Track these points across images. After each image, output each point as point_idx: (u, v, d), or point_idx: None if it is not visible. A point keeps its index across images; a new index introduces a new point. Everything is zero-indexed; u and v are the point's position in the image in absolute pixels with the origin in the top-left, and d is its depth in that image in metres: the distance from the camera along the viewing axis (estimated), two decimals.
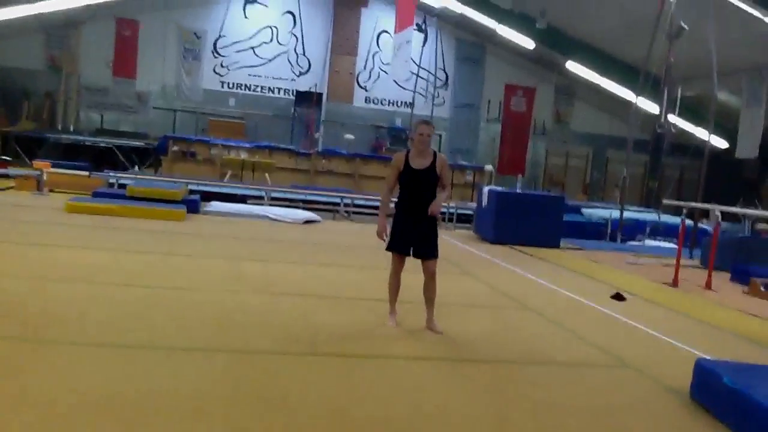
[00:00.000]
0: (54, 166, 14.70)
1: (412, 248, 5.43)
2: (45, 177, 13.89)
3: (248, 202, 14.59)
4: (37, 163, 14.02)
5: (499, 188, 14.23)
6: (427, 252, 5.45)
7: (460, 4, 22.58)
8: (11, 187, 14.33)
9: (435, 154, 5.43)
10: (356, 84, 24.84)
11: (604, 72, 23.80)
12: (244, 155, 20.14)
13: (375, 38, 24.70)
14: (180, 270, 7.27)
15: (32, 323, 4.80)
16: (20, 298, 5.46)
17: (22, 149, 20.30)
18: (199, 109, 23.42)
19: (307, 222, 12.81)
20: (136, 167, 20.48)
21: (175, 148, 20.05)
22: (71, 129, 22.61)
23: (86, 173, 14.94)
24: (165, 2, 22.58)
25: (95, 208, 11.06)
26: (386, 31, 24.33)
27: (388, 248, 5.52)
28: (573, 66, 23.95)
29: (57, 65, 22.66)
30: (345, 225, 13.77)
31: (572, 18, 21.96)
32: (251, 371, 4.29)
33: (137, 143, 21.48)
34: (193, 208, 12.28)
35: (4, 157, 18.40)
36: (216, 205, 13.09)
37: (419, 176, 5.33)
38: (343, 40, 24.46)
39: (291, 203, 15.24)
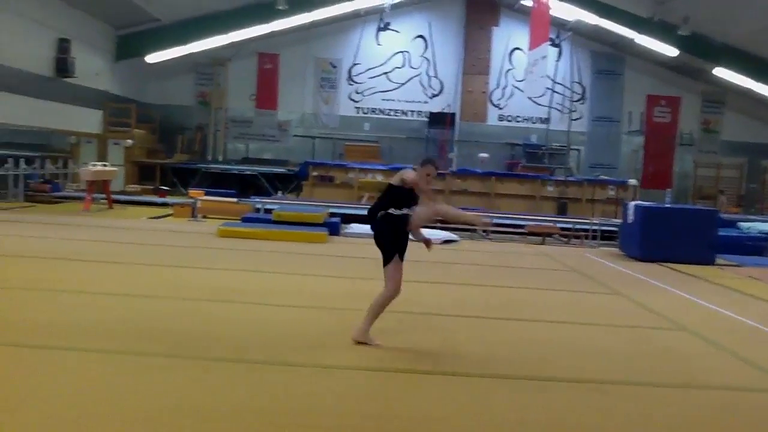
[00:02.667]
0: (206, 194, 15.70)
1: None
2: (199, 204, 14.85)
3: None
4: (192, 191, 15.00)
5: (646, 203, 13.53)
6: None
7: (595, 15, 21.90)
8: (170, 215, 15.42)
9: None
10: (489, 102, 24.71)
11: (756, 77, 22.17)
12: (380, 177, 20.51)
13: (507, 56, 24.51)
14: (323, 290, 7.46)
15: (193, 343, 5.09)
16: (177, 317, 5.82)
17: (177, 179, 21.88)
18: (335, 134, 24.26)
19: (446, 242, 12.77)
20: (279, 192, 21.42)
21: (315, 173, 20.77)
22: (220, 159, 24.11)
23: (235, 200, 15.77)
24: (303, 35, 23.64)
25: (245, 232, 11.65)
26: (519, 48, 24.11)
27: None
28: (721, 72, 22.50)
29: (206, 101, 24.31)
30: (483, 245, 13.62)
31: (718, 22, 20.66)
32: (391, 388, 4.31)
33: (279, 170, 22.50)
34: (334, 230, 12.64)
35: (162, 187, 19.89)
36: (355, 227, 13.38)
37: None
38: (475, 59, 24.46)
39: (427, 224, 15.30)
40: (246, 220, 13.12)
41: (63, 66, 17.92)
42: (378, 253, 5.32)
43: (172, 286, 7.20)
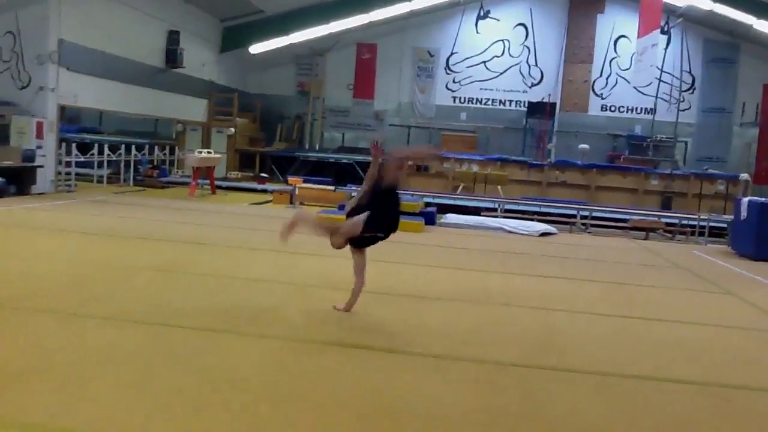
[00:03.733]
0: (304, 181, 16.02)
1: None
2: (297, 192, 15.16)
3: (482, 214, 14.61)
4: (291, 179, 15.32)
5: (762, 199, 12.70)
6: None
7: (708, 0, 20.72)
8: (269, 201, 15.82)
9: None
10: (591, 92, 23.90)
11: None
12: (476, 168, 20.28)
13: (612, 44, 23.59)
14: (420, 279, 7.43)
15: (298, 324, 5.16)
16: (280, 303, 5.93)
17: (276, 167, 22.42)
18: (431, 124, 24.16)
19: (544, 234, 12.48)
20: None
21: (410, 162, 20.72)
22: (317, 147, 24.52)
23: (332, 188, 15.99)
24: (402, 24, 23.61)
25: (341, 219, 11.74)
26: (625, 36, 23.19)
27: None
28: None
29: (305, 90, 24.74)
30: (582, 238, 13.20)
31: None
32: (505, 383, 4.21)
33: None
34: (429, 220, 12.59)
35: (262, 175, 20.43)
36: (451, 217, 13.29)
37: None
38: (578, 48, 23.70)
39: (524, 215, 14.99)
40: (342, 207, 13.26)
41: (172, 57, 18.67)
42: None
43: (298, 272, 7.35)
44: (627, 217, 14.92)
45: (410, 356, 4.59)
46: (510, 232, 12.39)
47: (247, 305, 5.74)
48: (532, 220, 14.34)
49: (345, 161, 22.46)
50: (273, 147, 23.25)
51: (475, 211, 15.19)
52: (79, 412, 3.31)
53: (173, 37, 18.76)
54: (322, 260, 8.01)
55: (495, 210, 15.14)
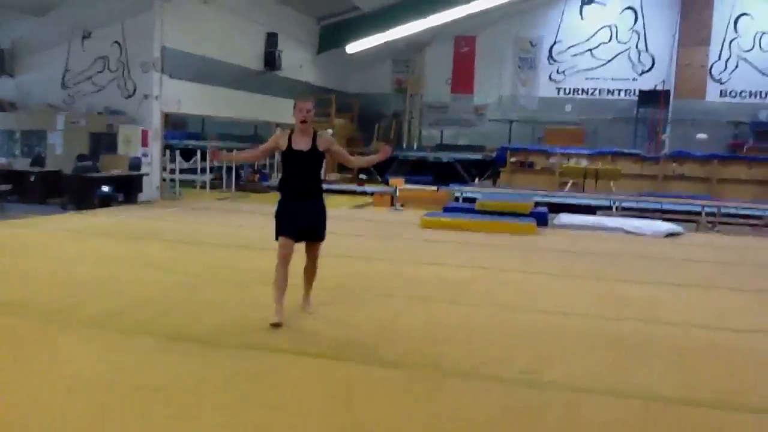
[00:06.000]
0: (405, 182, 15.50)
1: (301, 232, 5.18)
2: (398, 193, 14.66)
3: (598, 213, 13.61)
4: (392, 180, 14.84)
5: None
6: (316, 234, 5.26)
7: None
8: (369, 203, 15.42)
9: (315, 133, 5.15)
10: (709, 77, 22.15)
11: None
12: (584, 163, 19.15)
13: (732, 23, 21.76)
14: (546, 290, 6.73)
15: (430, 350, 4.62)
16: (415, 321, 5.40)
17: (374, 167, 22.03)
18: (534, 117, 23.12)
19: (669, 235, 11.39)
20: (476, 179, 20.81)
21: (513, 159, 19.85)
22: (415, 146, 24.00)
23: (434, 188, 15.41)
24: (501, 14, 22.68)
25: (448, 222, 11.17)
26: (746, 14, 21.39)
27: (279, 234, 5.15)
28: None
29: (403, 88, 24.27)
30: (713, 238, 11.98)
31: None
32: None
33: (475, 156, 21.86)
34: (542, 221, 11.77)
35: (361, 176, 20.10)
36: (565, 218, 12.39)
37: (303, 158, 5.09)
38: (693, 30, 22.01)
39: (642, 213, 13.88)
40: (448, 209, 12.67)
41: (271, 59, 18.62)
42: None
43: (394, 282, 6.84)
44: (759, 213, 13.54)
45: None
46: (631, 233, 11.38)
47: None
48: (650, 218, 13.26)
49: (445, 159, 21.82)
50: (371, 147, 22.89)
51: (588, 210, 14.20)
52: None
53: (272, 40, 18.70)
54: (438, 269, 7.43)
55: (609, 208, 14.10)
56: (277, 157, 20.64)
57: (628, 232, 11.39)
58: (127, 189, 13.23)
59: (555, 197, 14.70)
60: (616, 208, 13.86)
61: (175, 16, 14.61)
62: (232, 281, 6.60)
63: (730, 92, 22.08)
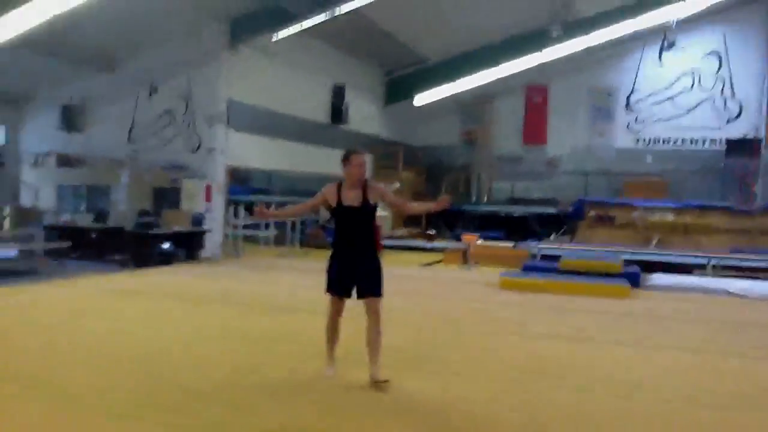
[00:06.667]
0: (480, 238, 14.55)
1: (354, 288, 4.91)
2: (472, 250, 13.71)
3: (694, 272, 12.30)
4: (466, 236, 13.92)
5: None
6: (369, 289, 4.88)
7: None
8: (439, 261, 14.51)
9: (365, 185, 4.89)
10: None
11: None
12: (670, 216, 17.80)
13: None
14: (663, 368, 5.64)
15: None
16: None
17: (443, 222, 21.19)
18: (611, 169, 21.91)
19: None
20: (552, 235, 19.65)
21: (592, 212, 18.65)
22: (484, 199, 23.08)
23: (510, 244, 14.41)
24: (575, 63, 21.77)
25: (529, 283, 10.13)
26: None
27: (328, 289, 4.98)
28: None
29: (471, 139, 23.52)
30: None
31: None
32: None
33: (549, 210, 20.78)
34: (634, 281, 10.59)
35: (429, 232, 19.24)
36: (659, 278, 11.14)
37: (354, 213, 4.87)
38: None
39: (740, 272, 12.47)
40: (527, 268, 11.63)
41: (338, 112, 18.21)
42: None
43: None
44: None
45: None
46: (737, 295, 10.05)
47: None
48: (747, 277, 11.90)
49: (517, 214, 20.79)
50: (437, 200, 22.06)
51: (681, 269, 12.87)
52: None
53: (338, 92, 18.32)
54: (529, 343, 6.45)
55: (704, 266, 12.75)
56: None
57: (732, 295, 10.07)
58: (189, 245, 12.76)
59: (643, 254, 13.40)
60: (714, 266, 12.50)
61: (241, 69, 14.35)
62: (295, 353, 5.78)
63: None
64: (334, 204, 4.88)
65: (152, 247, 11.85)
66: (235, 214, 15.13)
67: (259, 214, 5.16)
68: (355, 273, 4.88)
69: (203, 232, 13.02)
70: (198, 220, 12.99)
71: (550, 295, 9.61)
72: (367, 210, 4.89)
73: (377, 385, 4.73)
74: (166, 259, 11.95)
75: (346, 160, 4.89)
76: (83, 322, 6.94)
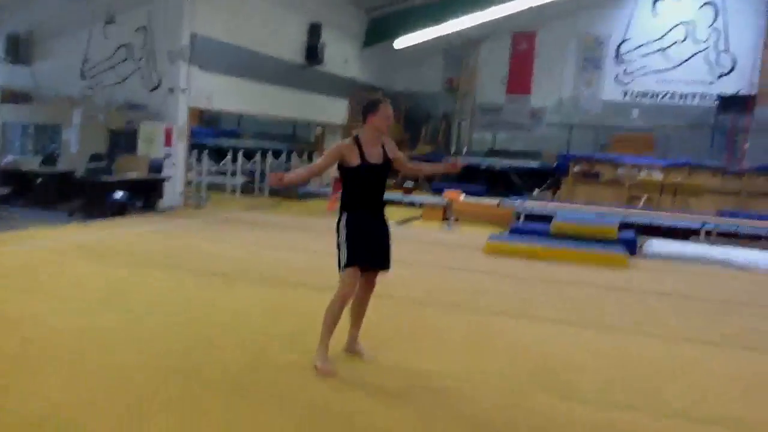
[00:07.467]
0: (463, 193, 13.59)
1: (377, 259, 4.30)
2: (451, 207, 12.79)
3: (691, 239, 11.55)
4: (448, 192, 12.97)
5: None
6: (388, 260, 4.37)
7: None
8: (417, 218, 13.59)
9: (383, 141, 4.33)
10: None
11: None
12: (658, 175, 17.06)
13: None
14: (691, 369, 4.82)
15: None
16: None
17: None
18: (598, 122, 21.03)
19: None
20: (535, 191, 18.84)
21: (576, 168, 17.82)
22: (464, 150, 22.14)
23: (494, 202, 13.51)
24: (565, 9, 20.59)
25: (519, 249, 9.26)
26: None
27: (352, 262, 4.14)
28: None
29: (454, 87, 22.42)
30: None
31: None
32: None
33: (532, 164, 19.93)
34: (630, 248, 9.79)
35: (407, 183, 18.27)
36: (657, 246, 10.32)
37: (378, 171, 4.27)
38: None
39: (735, 239, 11.75)
40: (515, 231, 10.76)
41: (313, 53, 16.89)
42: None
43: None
44: None
45: None
46: (744, 268, 9.31)
47: None
48: (743, 244, 11.20)
49: (499, 167, 19.89)
50: (417, 150, 21.03)
51: (674, 234, 12.11)
52: None
53: (315, 31, 16.97)
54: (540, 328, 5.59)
55: (696, 231, 11.98)
56: (316, 159, 19.07)
57: (739, 268, 9.33)
58: (146, 194, 11.64)
59: (637, 218, 12.53)
60: (710, 232, 11.74)
61: (208, 1, 13.00)
62: (255, 338, 4.84)
63: None
64: (356, 162, 4.19)
65: (105, 196, 10.72)
66: (199, 159, 13.99)
67: (276, 181, 4.24)
68: (382, 241, 4.33)
69: (162, 180, 11.88)
70: (156, 166, 11.84)
71: (542, 264, 8.77)
72: (387, 168, 4.34)
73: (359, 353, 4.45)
74: (120, 209, 10.83)
75: (372, 110, 4.27)
76: (6, 295, 5.89)
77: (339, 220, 4.26)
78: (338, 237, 4.23)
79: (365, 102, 4.38)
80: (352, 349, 4.47)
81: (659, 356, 5.06)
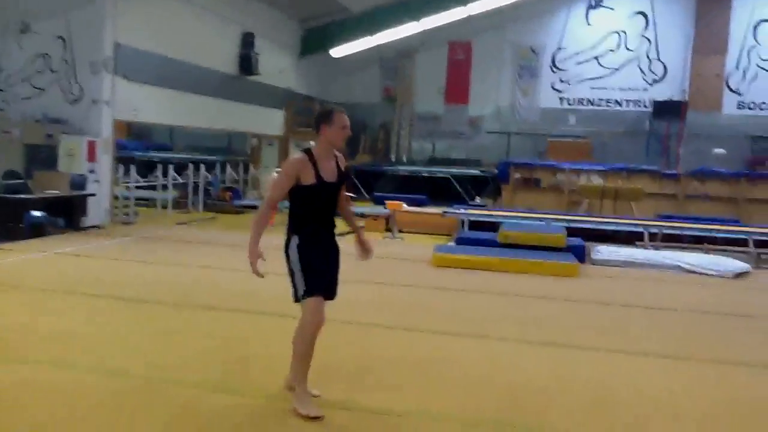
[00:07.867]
0: (398, 202, 13.20)
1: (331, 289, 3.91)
2: (395, 217, 12.39)
3: (637, 244, 11.46)
4: (390, 203, 12.56)
5: None
6: (335, 291, 3.95)
7: None
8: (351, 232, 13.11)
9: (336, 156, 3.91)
10: (726, 87, 20.33)
11: None
12: (597, 180, 17.12)
13: (751, 30, 20.00)
14: (669, 393, 4.51)
15: None
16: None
17: (360, 183, 19.83)
18: (535, 130, 21.12)
19: (739, 275, 9.23)
20: (477, 198, 18.68)
21: (517, 175, 17.76)
22: (404, 159, 21.91)
23: (438, 211, 13.19)
24: (501, 19, 20.64)
25: (467, 261, 8.91)
26: (766, 20, 19.67)
27: (311, 291, 3.71)
28: None
29: (392, 96, 22.19)
30: None
31: None
32: None
33: (473, 171, 19.83)
34: (579, 256, 9.59)
35: (348, 194, 17.81)
36: (605, 251, 10.16)
37: (332, 190, 3.83)
38: (708, 36, 20.22)
39: (676, 242, 11.75)
40: (462, 241, 10.43)
41: (247, 63, 16.29)
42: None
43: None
44: None
45: None
46: (693, 272, 9.22)
47: None
48: (684, 247, 11.22)
49: (440, 175, 19.69)
50: (356, 161, 20.63)
51: (615, 238, 12.04)
52: None
53: (248, 41, 16.37)
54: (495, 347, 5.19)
55: (640, 235, 11.93)
56: (253, 171, 18.41)
57: (688, 272, 9.23)
58: (69, 213, 10.83)
59: (581, 223, 12.41)
60: (654, 236, 11.69)
61: (132, 9, 12.29)
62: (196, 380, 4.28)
63: (749, 104, 20.33)
64: (311, 181, 3.72)
65: (21, 216, 9.88)
66: (126, 173, 13.21)
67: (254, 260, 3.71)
68: (336, 265, 3.93)
69: (85, 197, 11.08)
70: (79, 182, 11.02)
71: (492, 275, 8.44)
72: (341, 185, 3.91)
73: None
74: (38, 230, 10.00)
75: (325, 120, 3.76)
76: None
77: (288, 243, 3.78)
78: (289, 263, 3.76)
79: (318, 112, 3.93)
80: (291, 386, 3.93)
81: (636, 378, 4.70)
